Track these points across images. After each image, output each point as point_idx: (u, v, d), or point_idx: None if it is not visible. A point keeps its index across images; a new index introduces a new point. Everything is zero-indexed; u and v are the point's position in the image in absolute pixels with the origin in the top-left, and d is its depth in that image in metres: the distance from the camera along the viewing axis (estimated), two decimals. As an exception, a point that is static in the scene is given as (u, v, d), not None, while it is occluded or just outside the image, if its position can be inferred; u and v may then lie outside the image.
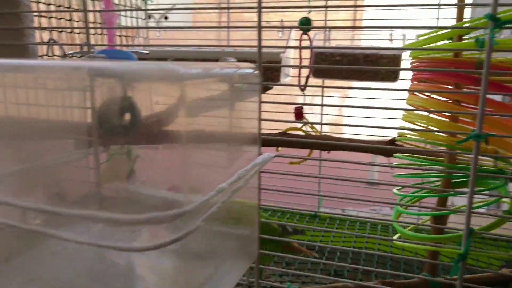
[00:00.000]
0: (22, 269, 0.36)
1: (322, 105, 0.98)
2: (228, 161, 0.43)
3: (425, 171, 0.51)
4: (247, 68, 0.42)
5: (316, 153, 1.00)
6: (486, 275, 0.53)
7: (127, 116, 0.43)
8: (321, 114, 0.95)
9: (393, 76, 0.79)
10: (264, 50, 0.48)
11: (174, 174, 0.36)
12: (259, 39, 0.46)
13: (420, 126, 0.48)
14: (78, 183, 0.49)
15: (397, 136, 0.66)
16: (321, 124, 0.90)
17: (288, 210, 1.03)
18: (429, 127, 0.47)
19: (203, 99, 0.33)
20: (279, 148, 0.79)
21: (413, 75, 0.51)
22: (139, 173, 0.50)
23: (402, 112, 0.57)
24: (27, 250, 0.38)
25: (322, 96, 0.93)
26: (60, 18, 0.73)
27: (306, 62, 0.83)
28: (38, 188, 0.42)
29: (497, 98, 0.50)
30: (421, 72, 0.47)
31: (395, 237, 0.57)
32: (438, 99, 0.47)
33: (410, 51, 0.57)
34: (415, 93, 0.50)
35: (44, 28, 0.64)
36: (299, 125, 0.79)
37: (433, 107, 0.47)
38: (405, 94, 0.60)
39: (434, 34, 0.43)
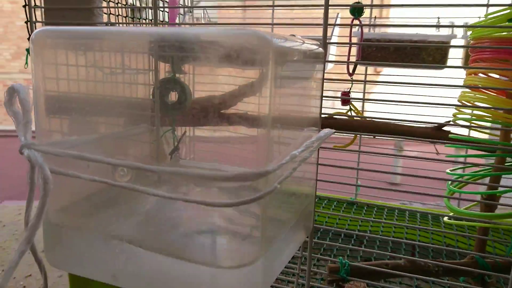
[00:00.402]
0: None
1: (364, 92, 0.99)
2: (295, 136, 0.44)
3: (478, 154, 0.51)
4: (314, 45, 0.44)
5: (356, 142, 1.00)
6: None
7: (178, 97, 0.45)
8: (363, 101, 0.95)
9: (440, 63, 0.79)
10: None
11: (248, 152, 0.37)
12: (325, 34, 0.46)
13: (478, 106, 0.48)
14: (134, 158, 0.52)
15: (447, 122, 0.66)
16: (362, 112, 0.90)
17: (325, 197, 1.04)
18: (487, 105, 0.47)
19: (284, 72, 0.35)
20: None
21: (472, 56, 0.52)
22: (190, 151, 0.52)
23: (450, 100, 0.57)
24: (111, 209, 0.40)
25: (365, 83, 0.94)
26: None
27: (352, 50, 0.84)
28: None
29: None
30: (482, 52, 0.48)
31: (445, 218, 0.58)
32: (498, 79, 0.47)
33: (460, 37, 0.57)
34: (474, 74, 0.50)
35: (113, 7, 0.67)
36: (344, 111, 0.80)
37: (492, 86, 0.48)
38: (454, 82, 0.60)
39: (500, 13, 0.44)
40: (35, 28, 0.59)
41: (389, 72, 1.02)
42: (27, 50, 0.60)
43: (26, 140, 0.34)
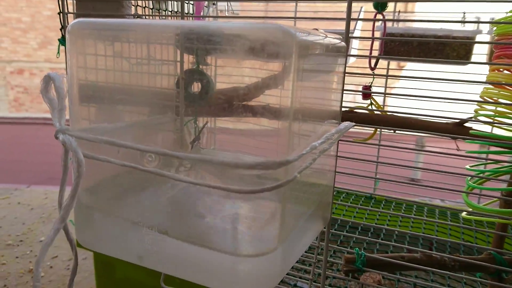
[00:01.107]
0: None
1: (385, 87, 0.99)
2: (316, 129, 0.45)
3: (500, 150, 0.51)
4: (336, 39, 0.44)
5: (376, 137, 1.00)
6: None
7: (202, 87, 0.47)
8: (384, 96, 0.95)
9: (464, 59, 0.78)
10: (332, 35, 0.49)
11: (270, 143, 0.39)
12: (347, 28, 0.47)
13: (500, 103, 0.48)
14: (164, 144, 0.53)
15: (469, 118, 0.66)
16: (383, 107, 0.90)
17: (343, 190, 1.04)
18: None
19: (307, 66, 0.36)
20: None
21: (496, 52, 0.51)
22: (211, 141, 0.54)
23: (472, 96, 0.57)
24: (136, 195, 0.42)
25: (386, 78, 0.94)
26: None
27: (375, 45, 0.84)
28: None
29: None
30: (506, 48, 0.48)
31: (464, 213, 0.58)
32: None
33: (485, 33, 0.56)
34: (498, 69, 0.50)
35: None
36: (364, 105, 0.80)
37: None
38: (477, 78, 0.60)
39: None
40: (67, 19, 0.62)
41: (412, 67, 1.02)
42: (60, 40, 0.62)
43: (61, 126, 0.36)
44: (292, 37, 0.31)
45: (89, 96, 0.43)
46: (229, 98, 0.43)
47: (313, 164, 0.45)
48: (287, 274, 0.69)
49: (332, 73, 0.46)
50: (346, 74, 0.50)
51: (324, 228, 0.53)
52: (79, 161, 0.35)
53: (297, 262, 0.73)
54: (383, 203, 1.00)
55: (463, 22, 0.77)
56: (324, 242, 0.52)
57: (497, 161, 0.56)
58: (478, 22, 0.68)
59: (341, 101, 0.50)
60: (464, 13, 0.85)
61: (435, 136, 0.75)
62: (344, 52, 0.46)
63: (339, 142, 0.59)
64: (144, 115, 0.48)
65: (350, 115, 0.78)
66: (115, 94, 0.45)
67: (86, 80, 0.42)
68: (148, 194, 0.41)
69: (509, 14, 0.46)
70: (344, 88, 0.53)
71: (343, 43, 0.46)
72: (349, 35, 0.51)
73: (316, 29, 0.47)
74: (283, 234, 0.35)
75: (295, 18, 0.77)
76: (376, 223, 0.89)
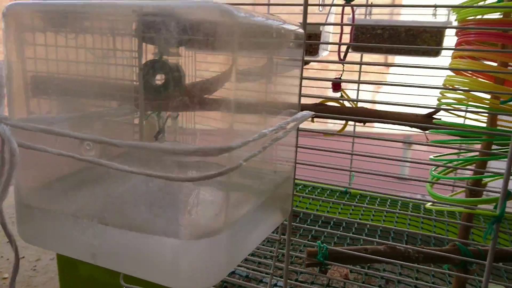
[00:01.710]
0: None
1: (358, 82, 0.98)
2: (270, 117, 0.44)
3: (465, 139, 0.50)
4: (293, 25, 0.43)
5: (350, 132, 1.00)
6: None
7: (164, 79, 0.45)
8: (358, 90, 0.94)
9: (434, 51, 0.78)
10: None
11: (214, 138, 0.37)
12: (305, 14, 0.46)
13: (463, 90, 0.47)
14: (123, 138, 0.52)
15: (433, 110, 0.65)
16: (357, 100, 0.90)
17: (319, 185, 1.03)
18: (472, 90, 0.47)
19: (251, 47, 0.35)
20: (314, 120, 0.80)
21: (458, 38, 0.51)
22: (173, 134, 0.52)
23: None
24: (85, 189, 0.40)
25: (360, 71, 0.93)
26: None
27: (346, 36, 0.83)
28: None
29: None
30: (467, 35, 0.47)
31: (428, 204, 0.57)
32: (483, 63, 0.46)
33: (454, 27, 0.56)
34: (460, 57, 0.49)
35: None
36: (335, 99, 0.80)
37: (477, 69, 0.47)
38: (446, 72, 0.59)
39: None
40: None
41: (400, 63, 1.01)
42: None
43: (-2, 114, 0.34)
44: (232, 17, 0.29)
45: (33, 86, 0.41)
46: (187, 92, 0.42)
47: (266, 154, 0.43)
48: (254, 270, 0.68)
49: (288, 60, 0.45)
50: (320, 68, 0.49)
51: (286, 221, 0.51)
52: (12, 150, 0.33)
53: (262, 256, 0.72)
54: (358, 197, 1.00)
55: (417, 6, 0.76)
56: (286, 236, 0.51)
57: (461, 152, 0.56)
58: (435, 6, 0.67)
59: (300, 90, 0.48)
60: (436, 5, 0.84)
61: (406, 128, 0.74)
62: (301, 39, 0.45)
63: (313, 136, 0.58)
64: (101, 108, 0.47)
65: (321, 108, 0.77)
66: (62, 83, 0.43)
67: (29, 69, 0.40)
68: (92, 189, 0.39)
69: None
70: (319, 79, 0.51)
71: (300, 30, 0.45)
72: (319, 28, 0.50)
73: (273, 15, 0.45)
74: (228, 220, 0.33)
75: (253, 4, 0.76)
76: (348, 218, 0.88)
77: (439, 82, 0.60)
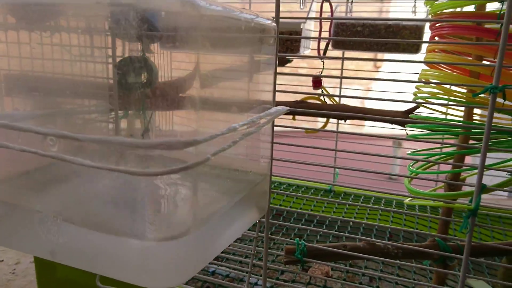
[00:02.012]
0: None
1: (341, 77, 0.98)
2: (242, 111, 0.43)
3: (441, 132, 0.50)
4: (265, 19, 0.43)
5: (334, 128, 1.00)
6: (494, 245, 0.53)
7: (144, 76, 0.44)
8: (340, 87, 0.94)
9: (415, 47, 0.78)
10: (284, 20, 0.47)
11: (189, 124, 0.37)
12: (277, 8, 0.45)
13: (437, 84, 0.47)
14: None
15: (412, 107, 0.65)
16: (340, 99, 0.90)
17: (303, 184, 1.03)
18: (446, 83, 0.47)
19: (218, 39, 0.34)
20: (295, 117, 0.79)
21: (432, 32, 0.50)
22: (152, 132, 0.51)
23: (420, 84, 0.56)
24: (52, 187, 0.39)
25: (342, 69, 0.93)
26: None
27: (326, 34, 0.83)
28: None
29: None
30: (441, 28, 0.47)
31: (407, 200, 0.57)
32: (458, 56, 0.46)
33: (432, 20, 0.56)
34: (435, 50, 0.49)
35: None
36: (316, 96, 0.79)
37: (451, 62, 0.47)
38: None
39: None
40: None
41: (388, 67, 1.01)
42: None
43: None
44: (194, 8, 0.29)
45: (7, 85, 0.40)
46: (164, 90, 0.41)
47: (239, 149, 0.43)
48: (234, 269, 0.67)
49: (260, 56, 0.44)
50: (304, 67, 0.48)
51: (263, 218, 0.51)
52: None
53: (244, 255, 0.71)
54: (342, 195, 0.99)
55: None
56: (264, 233, 0.51)
57: (438, 147, 0.56)
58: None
59: (274, 86, 0.48)
60: (415, 1, 0.85)
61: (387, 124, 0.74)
62: (274, 34, 0.44)
63: (296, 136, 0.57)
64: (75, 106, 0.45)
65: (301, 105, 0.77)
66: (31, 81, 0.42)
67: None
68: (55, 184, 0.38)
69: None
70: (295, 80, 0.51)
71: (273, 24, 0.44)
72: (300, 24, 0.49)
73: (244, 9, 0.45)
74: (197, 219, 0.33)
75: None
76: (332, 215, 0.88)
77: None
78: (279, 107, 0.45)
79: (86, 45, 0.41)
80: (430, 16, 0.51)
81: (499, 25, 0.43)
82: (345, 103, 0.79)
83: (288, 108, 0.46)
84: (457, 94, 0.44)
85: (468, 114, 0.51)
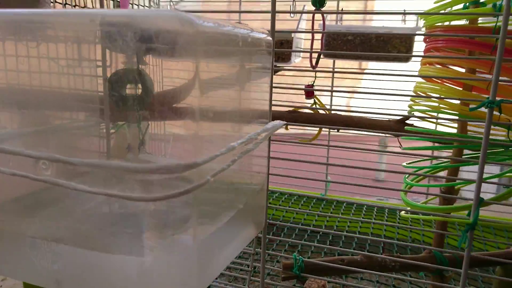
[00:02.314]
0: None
1: (332, 90, 0.98)
2: (240, 128, 0.43)
3: (436, 145, 0.50)
4: (261, 33, 0.42)
5: (325, 137, 1.00)
6: (493, 252, 0.53)
7: (138, 88, 0.43)
8: (331, 96, 0.94)
9: (405, 56, 0.78)
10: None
11: (185, 146, 0.36)
12: (273, 22, 0.45)
13: (432, 97, 0.47)
14: (89, 153, 0.49)
15: (405, 116, 0.65)
16: (330, 106, 0.90)
17: (295, 193, 1.03)
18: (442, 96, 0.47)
19: (215, 55, 0.33)
20: (288, 127, 0.79)
21: (426, 45, 0.51)
22: (149, 145, 0.50)
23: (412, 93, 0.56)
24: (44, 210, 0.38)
25: (333, 78, 0.93)
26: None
27: (317, 42, 0.83)
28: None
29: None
30: (435, 41, 0.47)
31: (402, 212, 0.57)
32: (452, 69, 0.46)
33: (423, 32, 0.56)
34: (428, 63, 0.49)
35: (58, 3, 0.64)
36: (308, 105, 0.79)
37: (446, 75, 0.47)
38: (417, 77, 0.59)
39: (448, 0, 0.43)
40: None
41: (372, 69, 1.02)
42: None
43: None
44: (193, 26, 0.28)
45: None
46: (159, 101, 0.40)
47: (237, 165, 0.42)
48: (231, 285, 0.66)
49: (257, 69, 0.43)
50: (294, 75, 0.48)
51: (260, 233, 0.50)
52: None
53: (238, 270, 0.70)
54: (334, 204, 0.99)
55: (387, 13, 0.77)
56: (261, 249, 0.50)
57: (434, 157, 0.56)
58: (404, 13, 0.68)
59: (270, 99, 0.47)
60: (405, 10, 0.85)
61: (380, 133, 0.74)
62: (269, 47, 0.44)
63: (288, 143, 0.57)
64: (66, 120, 0.44)
65: (294, 115, 0.77)
66: (20, 95, 0.41)
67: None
68: (50, 207, 0.37)
69: (435, 5, 0.45)
70: (291, 87, 0.50)
71: (269, 38, 0.44)
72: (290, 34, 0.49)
73: (239, 23, 0.44)
74: (197, 236, 0.32)
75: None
76: (325, 225, 0.88)
77: (411, 86, 0.60)
78: (276, 122, 0.45)
79: (80, 58, 0.40)
80: (423, 28, 0.51)
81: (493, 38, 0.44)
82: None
83: (285, 122, 0.46)
84: (453, 107, 0.44)
85: (462, 126, 0.51)
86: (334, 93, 0.93)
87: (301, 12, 0.86)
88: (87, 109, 0.47)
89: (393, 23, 0.92)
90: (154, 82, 0.40)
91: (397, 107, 0.76)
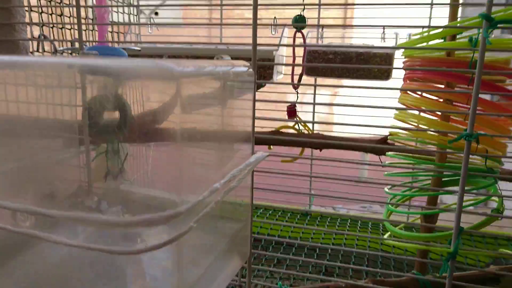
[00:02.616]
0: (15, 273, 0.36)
1: (314, 103, 0.98)
2: (222, 159, 0.43)
3: (416, 170, 0.51)
4: (241, 66, 0.42)
5: (308, 151, 1.00)
6: (475, 273, 0.54)
7: (117, 114, 0.42)
8: (313, 112, 0.95)
9: (385, 74, 0.80)
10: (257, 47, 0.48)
11: (167, 173, 0.35)
12: (255, 36, 0.45)
13: (412, 125, 0.48)
14: (69, 182, 0.49)
15: (389, 135, 0.66)
16: (313, 122, 0.90)
17: (280, 208, 1.03)
18: (421, 126, 0.47)
19: (198, 97, 0.33)
20: (271, 146, 0.79)
21: (405, 74, 0.51)
22: (130, 171, 0.50)
23: (394, 110, 0.57)
24: (19, 255, 0.37)
25: (314, 94, 0.93)
26: (52, 14, 0.72)
27: (299, 60, 0.83)
28: (28, 188, 0.41)
29: (486, 97, 0.51)
30: (414, 72, 0.48)
31: (386, 235, 0.57)
32: (430, 99, 0.47)
33: (403, 49, 0.57)
34: (408, 92, 0.50)
35: (36, 24, 0.63)
36: (291, 124, 0.79)
37: (424, 106, 0.48)
38: (398, 93, 0.60)
39: (427, 33, 0.43)
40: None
41: (347, 92, 1.03)
42: None
43: None
44: (174, 76, 0.28)
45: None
46: (140, 124, 0.40)
47: (221, 202, 0.42)
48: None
49: (239, 100, 0.43)
50: (272, 92, 0.48)
51: (245, 263, 0.50)
52: None
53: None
54: (319, 218, 1.00)
55: (366, 26, 0.78)
56: (246, 279, 0.50)
57: (412, 188, 0.56)
58: (383, 26, 0.69)
59: (253, 125, 0.47)
60: (384, 27, 0.86)
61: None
62: (251, 79, 0.44)
63: (271, 156, 0.56)
64: (43, 151, 0.43)
65: (277, 137, 0.77)
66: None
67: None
68: (24, 254, 0.36)
69: (412, 38, 0.46)
70: (269, 108, 0.50)
71: (250, 70, 0.44)
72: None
73: (221, 57, 0.44)
74: (182, 283, 0.31)
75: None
76: (311, 239, 0.88)
77: (391, 103, 0.61)
78: (258, 154, 0.45)
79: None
80: (402, 55, 0.52)
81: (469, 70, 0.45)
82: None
83: (268, 153, 0.46)
84: (432, 137, 0.45)
85: (440, 155, 0.52)
86: (316, 110, 0.94)
87: (283, 25, 0.87)
88: (66, 138, 0.46)
89: (372, 41, 0.93)
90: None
91: (377, 122, 0.77)
